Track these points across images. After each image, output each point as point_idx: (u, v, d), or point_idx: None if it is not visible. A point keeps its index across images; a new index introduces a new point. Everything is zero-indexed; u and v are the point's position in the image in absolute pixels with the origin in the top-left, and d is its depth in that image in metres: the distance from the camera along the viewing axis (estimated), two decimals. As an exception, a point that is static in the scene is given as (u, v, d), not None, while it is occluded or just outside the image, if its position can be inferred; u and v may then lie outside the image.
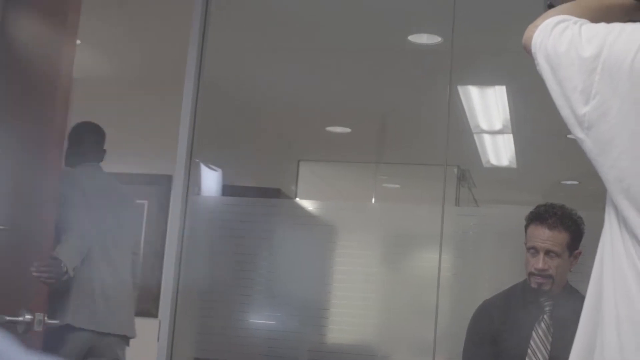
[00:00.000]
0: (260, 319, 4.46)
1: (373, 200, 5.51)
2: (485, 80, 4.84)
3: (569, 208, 3.42)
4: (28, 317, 2.98)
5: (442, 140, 4.39)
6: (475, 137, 5.30)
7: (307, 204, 4.70)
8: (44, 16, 3.36)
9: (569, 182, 5.41)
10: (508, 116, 5.05)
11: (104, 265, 4.19)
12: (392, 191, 6.09)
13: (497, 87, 4.87)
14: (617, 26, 1.67)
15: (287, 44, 4.90)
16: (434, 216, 4.26)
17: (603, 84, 1.62)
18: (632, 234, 1.61)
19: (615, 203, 1.64)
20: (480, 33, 4.53)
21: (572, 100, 1.67)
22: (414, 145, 5.38)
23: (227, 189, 4.90)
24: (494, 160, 5.49)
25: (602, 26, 1.70)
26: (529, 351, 3.36)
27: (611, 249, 1.67)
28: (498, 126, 5.24)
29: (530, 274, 3.38)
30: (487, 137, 5.37)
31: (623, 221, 1.63)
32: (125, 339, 4.30)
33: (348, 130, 5.54)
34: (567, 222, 3.36)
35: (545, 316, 3.38)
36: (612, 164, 1.62)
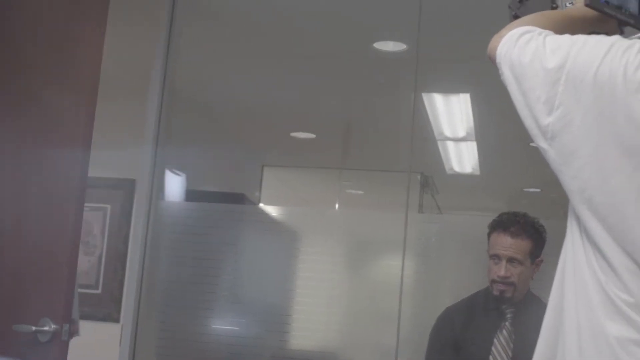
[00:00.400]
0: (224, 325, 4.45)
1: (337, 206, 5.51)
2: (449, 87, 4.86)
3: (531, 216, 3.45)
4: (53, 326, 2.97)
5: (406, 146, 4.41)
6: (439, 144, 5.32)
7: (271, 210, 4.70)
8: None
9: (531, 190, 5.45)
10: (472, 124, 5.08)
11: None
12: (355, 197, 6.10)
13: (462, 95, 4.90)
14: (581, 38, 1.69)
15: (252, 50, 4.90)
16: (397, 222, 4.28)
17: (567, 95, 1.63)
18: (594, 244, 1.62)
19: (578, 213, 1.66)
20: (445, 41, 4.56)
21: (536, 110, 1.68)
22: (378, 152, 5.39)
23: (191, 194, 4.88)
24: (457, 167, 5.52)
25: (566, 37, 1.71)
26: (491, 358, 3.38)
27: (573, 258, 1.69)
28: (462, 133, 5.27)
29: (493, 282, 3.41)
30: (450, 144, 5.39)
31: (585, 231, 1.65)
32: None
33: (312, 136, 5.54)
34: (529, 230, 3.39)
35: (507, 323, 3.40)
36: (575, 175, 1.64)
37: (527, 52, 1.72)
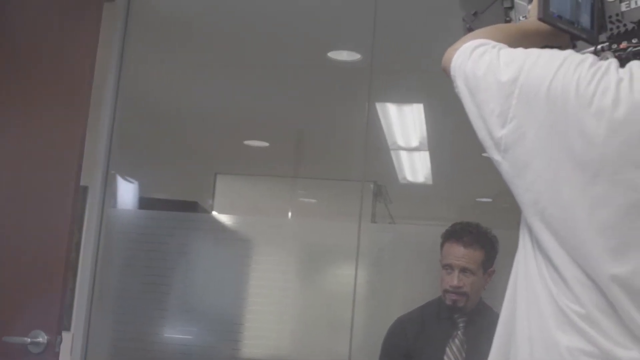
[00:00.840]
0: (176, 334, 4.42)
1: (289, 214, 5.51)
2: (403, 97, 4.89)
3: (484, 227, 3.47)
4: (47, 338, 2.96)
5: (360, 156, 4.42)
6: (392, 153, 5.34)
7: (224, 218, 4.68)
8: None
9: (483, 200, 5.49)
10: (425, 134, 5.10)
11: None
12: (308, 206, 6.10)
13: (415, 105, 4.93)
14: (534, 51, 1.71)
15: (206, 59, 4.88)
16: (350, 232, 4.29)
17: (520, 108, 1.64)
18: (546, 256, 1.64)
19: (530, 225, 1.67)
20: (399, 51, 4.58)
21: (490, 123, 1.69)
22: (332, 161, 5.40)
23: (144, 202, 4.86)
24: (410, 177, 5.55)
25: (520, 51, 1.73)
26: (443, 366, 3.40)
27: (525, 269, 1.70)
28: (415, 143, 5.30)
29: (445, 291, 3.42)
30: (403, 154, 5.42)
31: (537, 243, 1.66)
32: None
33: (266, 144, 5.54)
34: (482, 240, 3.42)
35: (459, 332, 3.42)
36: (528, 187, 1.65)
37: (481, 65, 1.73)
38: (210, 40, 4.76)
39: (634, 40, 1.88)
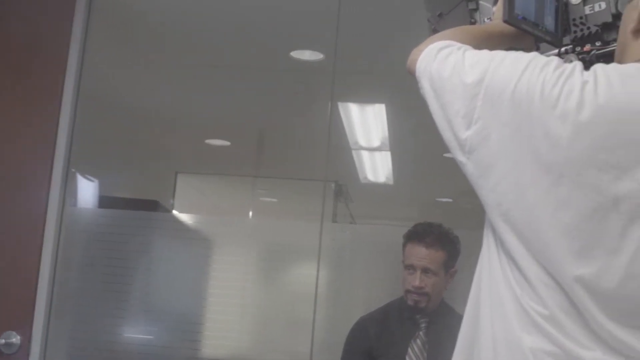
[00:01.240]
0: (136, 334, 4.39)
1: (250, 214, 5.49)
2: (365, 98, 4.89)
3: (446, 227, 3.48)
4: (19, 338, 2.93)
5: (321, 155, 4.42)
6: (354, 153, 5.35)
7: (185, 217, 4.66)
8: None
9: (443, 200, 5.51)
10: (386, 134, 5.11)
11: None
12: (269, 205, 6.09)
13: (377, 105, 4.93)
14: (500, 53, 1.71)
15: (168, 57, 4.86)
16: (312, 231, 4.29)
17: (485, 109, 1.65)
18: (509, 257, 1.64)
19: (494, 226, 1.68)
20: (362, 51, 4.58)
21: (455, 124, 1.69)
22: (293, 160, 5.39)
23: (104, 201, 4.81)
24: (371, 177, 5.55)
25: (485, 53, 1.73)
26: (405, 366, 3.41)
27: (489, 270, 1.71)
28: (376, 143, 5.30)
29: (407, 292, 3.43)
30: (365, 154, 5.42)
31: (501, 244, 1.67)
32: None
33: (227, 143, 5.52)
34: (444, 241, 3.43)
35: (421, 333, 3.43)
36: (492, 188, 1.66)
37: (447, 66, 1.74)
38: (172, 38, 4.74)
39: (598, 43, 1.90)
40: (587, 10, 1.91)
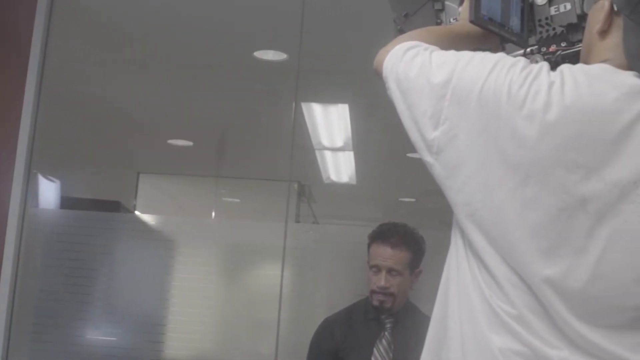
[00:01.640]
0: (99, 335, 4.36)
1: (213, 214, 5.48)
2: (328, 98, 4.89)
3: (410, 227, 3.48)
4: None
5: (284, 155, 4.42)
6: (317, 153, 5.35)
7: (147, 218, 4.64)
8: None
9: (406, 200, 5.52)
10: (349, 134, 5.12)
11: None
12: (232, 206, 6.08)
13: (340, 105, 4.94)
14: (467, 54, 1.71)
15: (130, 57, 4.83)
16: (275, 232, 4.29)
17: (452, 110, 1.65)
18: (477, 257, 1.65)
19: (462, 226, 1.68)
20: (326, 51, 4.58)
21: (422, 124, 1.69)
22: (256, 160, 5.38)
23: (66, 201, 4.78)
24: (334, 177, 5.56)
25: (452, 53, 1.73)
26: (371, 367, 3.41)
27: (457, 270, 1.71)
28: (339, 143, 5.31)
29: (373, 292, 3.43)
30: (328, 154, 5.43)
31: (469, 244, 1.67)
32: None
33: (190, 143, 5.50)
34: (409, 241, 3.43)
35: (386, 333, 3.43)
36: (460, 188, 1.66)
37: (414, 67, 1.73)
38: (134, 37, 4.71)
39: (563, 44, 1.91)
40: (553, 11, 1.92)
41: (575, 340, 1.55)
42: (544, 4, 1.93)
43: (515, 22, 1.92)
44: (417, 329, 3.12)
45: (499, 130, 1.59)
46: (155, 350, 4.33)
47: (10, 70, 4.07)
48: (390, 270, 3.39)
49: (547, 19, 1.92)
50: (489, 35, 1.91)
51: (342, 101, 4.88)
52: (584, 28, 1.82)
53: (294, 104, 4.48)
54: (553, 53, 1.91)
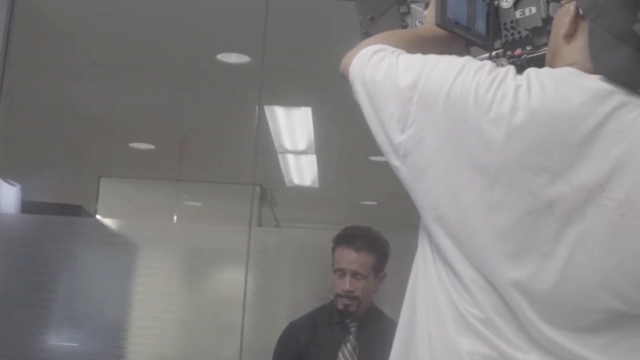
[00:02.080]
0: (61, 341, 4.33)
1: (175, 218, 5.47)
2: (291, 101, 4.89)
3: (375, 230, 3.47)
4: None
5: (247, 159, 4.41)
6: (280, 156, 5.35)
7: (108, 222, 4.62)
8: None
9: (368, 203, 5.54)
10: (312, 137, 5.12)
11: None
12: (194, 209, 6.06)
13: (303, 109, 4.93)
14: (433, 57, 1.71)
15: (90, 60, 4.79)
16: (238, 235, 4.28)
17: (419, 113, 1.64)
18: (445, 260, 1.64)
19: (429, 230, 1.67)
20: (289, 54, 4.57)
21: (389, 128, 1.69)
22: (219, 164, 5.37)
23: (27, 206, 4.73)
24: (297, 180, 5.56)
25: (418, 57, 1.73)
26: (336, 371, 3.40)
27: (424, 273, 1.70)
28: (302, 146, 5.31)
29: (337, 296, 3.41)
30: (291, 157, 5.43)
31: (436, 247, 1.67)
32: None
33: (152, 147, 5.47)
34: (373, 244, 3.42)
35: (351, 337, 3.42)
36: (427, 192, 1.65)
37: (380, 70, 1.73)
38: (95, 40, 4.67)
39: (528, 47, 1.92)
40: (518, 14, 1.93)
41: (543, 343, 1.56)
42: (509, 8, 1.93)
43: (480, 25, 1.93)
44: (382, 332, 3.12)
45: (466, 134, 1.59)
46: (118, 356, 4.30)
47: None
48: (355, 274, 3.38)
49: (512, 22, 1.93)
50: (454, 38, 1.92)
51: (305, 104, 4.88)
52: (549, 32, 1.82)
53: (257, 107, 4.47)
54: (518, 57, 1.91)
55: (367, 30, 2.08)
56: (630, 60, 1.63)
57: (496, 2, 1.95)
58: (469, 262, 1.61)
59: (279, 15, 4.24)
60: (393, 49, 1.79)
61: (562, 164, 1.56)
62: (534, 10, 1.91)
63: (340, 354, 3.39)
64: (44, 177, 5.20)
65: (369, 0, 2.12)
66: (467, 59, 1.69)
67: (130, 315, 4.40)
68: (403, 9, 2.11)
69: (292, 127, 5.09)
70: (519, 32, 1.92)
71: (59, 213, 4.65)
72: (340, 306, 3.41)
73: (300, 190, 5.63)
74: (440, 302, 1.64)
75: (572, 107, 1.58)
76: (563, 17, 1.72)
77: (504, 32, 1.94)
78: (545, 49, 1.85)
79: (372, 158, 4.42)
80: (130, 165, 5.57)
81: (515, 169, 1.57)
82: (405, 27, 2.10)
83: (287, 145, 5.26)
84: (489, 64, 1.66)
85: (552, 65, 1.73)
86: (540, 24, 1.90)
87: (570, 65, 1.67)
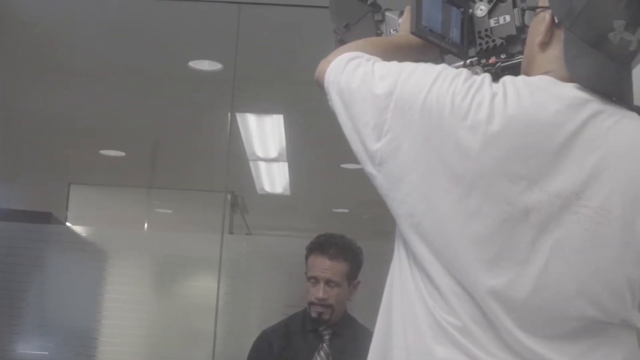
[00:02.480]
0: (30, 349, 4.29)
1: (146, 225, 5.44)
2: (263, 108, 4.88)
3: (348, 238, 3.47)
4: None
5: (219, 166, 4.40)
6: (251, 164, 5.34)
7: (79, 229, 4.59)
8: None
9: (339, 210, 5.53)
10: (284, 144, 5.11)
11: None
12: (165, 217, 6.04)
13: (275, 116, 4.92)
14: (409, 65, 1.71)
15: (60, 67, 4.76)
16: (209, 243, 4.27)
17: (395, 121, 1.64)
18: (421, 268, 1.64)
19: (406, 238, 1.67)
20: (261, 62, 4.56)
21: (364, 135, 1.68)
22: (190, 171, 5.35)
23: (-4, 212, 4.71)
24: (268, 188, 5.55)
25: (394, 64, 1.73)
26: (309, 379, 3.39)
27: (400, 282, 1.70)
28: (274, 154, 5.30)
29: (311, 303, 3.41)
30: (262, 165, 5.42)
31: (412, 255, 1.66)
32: None
33: (122, 154, 5.45)
34: (347, 252, 3.41)
35: (324, 344, 3.41)
36: (403, 200, 1.65)
37: (356, 77, 1.73)
38: (65, 47, 4.64)
39: (503, 56, 1.92)
40: (492, 23, 1.93)
41: (520, 351, 1.56)
42: (484, 16, 1.94)
43: (455, 33, 1.93)
44: (355, 340, 3.11)
45: (442, 142, 1.59)
46: (89, 364, 4.28)
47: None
48: (328, 282, 3.38)
49: (486, 30, 1.93)
50: (429, 46, 1.92)
51: (277, 112, 4.87)
52: (523, 40, 1.83)
53: (229, 114, 4.46)
54: (493, 65, 1.92)
55: (342, 38, 2.08)
56: (604, 67, 1.63)
57: (470, 11, 1.96)
58: (445, 270, 1.61)
59: (251, 23, 4.23)
60: (369, 56, 1.78)
61: (538, 171, 1.56)
62: (508, 18, 1.91)
63: (313, 362, 3.39)
64: (13, 184, 5.17)
65: (343, 8, 2.12)
66: (443, 66, 1.69)
67: (100, 323, 4.37)
68: (378, 17, 2.12)
69: (264, 135, 5.08)
70: (494, 41, 1.93)
71: (28, 220, 4.62)
72: (313, 314, 3.40)
73: (272, 197, 5.63)
74: (417, 310, 1.64)
75: (548, 115, 1.58)
76: (538, 25, 1.73)
77: (479, 41, 1.95)
78: (520, 57, 1.86)
79: (344, 165, 4.43)
80: (100, 173, 5.54)
81: (492, 176, 1.57)
82: (379, 34, 2.10)
83: (259, 152, 5.25)
84: (465, 72, 1.67)
85: (527, 74, 1.74)
86: (514, 32, 1.91)
87: (545, 73, 1.68)
